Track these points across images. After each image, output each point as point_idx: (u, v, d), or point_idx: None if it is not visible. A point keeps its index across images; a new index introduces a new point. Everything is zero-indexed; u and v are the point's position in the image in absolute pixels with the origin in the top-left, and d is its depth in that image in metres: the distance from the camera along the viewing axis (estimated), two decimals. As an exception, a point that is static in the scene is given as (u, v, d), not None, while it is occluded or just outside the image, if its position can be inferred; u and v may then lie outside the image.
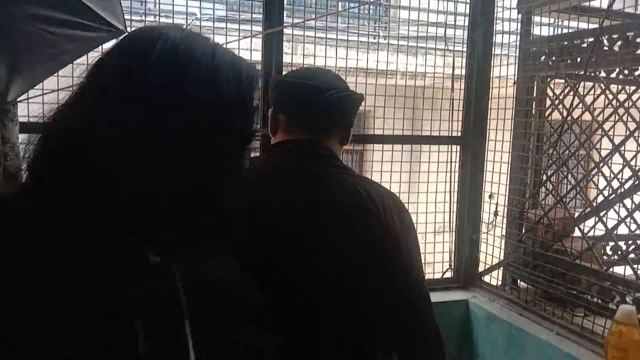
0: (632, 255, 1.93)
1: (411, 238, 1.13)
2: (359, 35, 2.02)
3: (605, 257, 1.80)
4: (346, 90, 1.24)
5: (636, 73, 1.69)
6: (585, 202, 1.79)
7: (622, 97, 1.75)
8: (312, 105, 1.20)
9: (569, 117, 1.78)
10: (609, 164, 1.76)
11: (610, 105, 1.74)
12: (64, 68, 1.48)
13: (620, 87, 1.78)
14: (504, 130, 2.03)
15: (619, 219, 1.66)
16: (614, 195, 1.66)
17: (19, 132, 1.46)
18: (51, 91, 1.54)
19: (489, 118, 2.03)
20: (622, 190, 1.68)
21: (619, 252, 1.71)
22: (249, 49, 1.79)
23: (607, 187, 1.72)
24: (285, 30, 1.83)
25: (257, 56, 1.80)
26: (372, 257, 1.07)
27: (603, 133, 1.72)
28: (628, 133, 1.65)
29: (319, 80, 1.22)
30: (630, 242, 1.84)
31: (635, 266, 1.65)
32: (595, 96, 1.71)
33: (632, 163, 1.67)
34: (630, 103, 1.70)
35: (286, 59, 1.85)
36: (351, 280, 1.05)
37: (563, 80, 1.83)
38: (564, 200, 1.80)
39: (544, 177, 1.89)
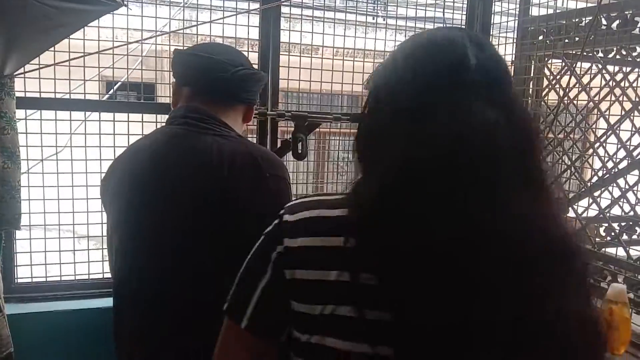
0: (625, 237, 1.94)
1: (265, 195, 1.10)
2: (357, 15, 2.01)
3: (598, 239, 1.82)
4: (250, 67, 1.28)
5: (634, 53, 1.69)
6: (580, 182, 1.80)
7: (619, 77, 1.75)
8: (218, 79, 1.21)
9: (566, 98, 1.78)
10: (604, 145, 1.77)
11: (607, 86, 1.74)
12: (60, 42, 1.48)
13: (617, 67, 1.77)
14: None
15: (612, 200, 1.68)
16: (607, 176, 1.67)
17: (16, 107, 1.47)
18: (47, 66, 1.53)
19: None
20: (616, 170, 1.69)
21: (612, 233, 1.72)
22: (246, 25, 1.79)
23: (602, 168, 1.73)
24: (283, 10, 1.82)
25: (254, 34, 1.80)
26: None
27: (599, 114, 1.72)
28: (624, 113, 1.65)
29: (225, 56, 1.25)
30: (623, 223, 1.85)
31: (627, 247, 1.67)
32: (592, 76, 1.71)
33: (628, 144, 1.68)
34: (627, 83, 1.70)
35: (283, 37, 1.85)
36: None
37: (560, 60, 1.83)
38: (559, 180, 1.81)
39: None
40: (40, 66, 1.53)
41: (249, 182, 1.10)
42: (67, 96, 1.66)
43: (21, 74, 1.53)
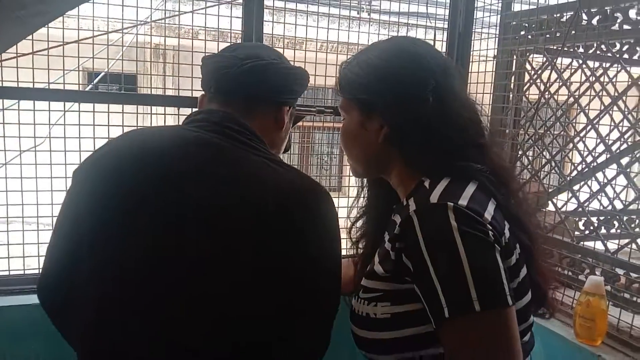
0: (603, 230, 1.97)
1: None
2: (341, 9, 2.01)
3: (577, 232, 1.84)
4: (268, 59, 1.08)
5: (614, 49, 1.71)
6: (560, 176, 1.82)
7: (599, 73, 1.77)
8: (227, 76, 1.06)
9: (547, 92, 1.80)
10: (584, 140, 1.79)
11: (587, 81, 1.76)
12: (37, 31, 1.45)
13: (597, 63, 1.79)
14: (482, 104, 2.04)
15: (591, 193, 1.70)
16: (587, 170, 1.69)
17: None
18: (24, 54, 1.51)
19: (468, 92, 2.04)
20: (595, 164, 1.71)
21: (591, 227, 1.74)
22: (229, 16, 1.77)
23: (582, 162, 1.75)
24: (267, 2, 1.81)
25: (237, 25, 1.78)
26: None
27: (579, 109, 1.74)
28: (603, 108, 1.67)
29: (241, 52, 1.09)
30: (602, 217, 1.87)
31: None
32: (572, 71, 1.73)
33: (607, 139, 1.70)
34: (607, 79, 1.72)
35: (267, 29, 1.83)
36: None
37: (542, 55, 1.85)
38: (539, 174, 1.83)
39: (520, 152, 1.91)
40: (18, 55, 1.50)
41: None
42: (47, 87, 1.63)
43: (-3, 62, 1.50)
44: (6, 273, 1.63)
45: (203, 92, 1.14)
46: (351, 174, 1.16)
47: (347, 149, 1.08)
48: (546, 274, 1.01)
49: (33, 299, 1.56)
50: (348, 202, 1.34)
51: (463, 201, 0.84)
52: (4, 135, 1.57)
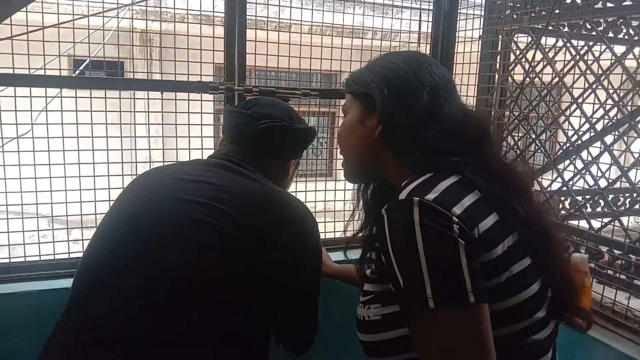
0: (589, 209, 1.98)
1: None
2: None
3: (563, 212, 1.85)
4: (280, 120, 1.31)
5: (599, 28, 1.70)
6: (545, 156, 1.82)
7: (584, 52, 1.76)
8: (242, 132, 1.29)
9: (532, 72, 1.80)
10: (569, 119, 1.80)
11: (572, 60, 1.75)
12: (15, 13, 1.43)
13: (582, 42, 1.79)
14: (468, 85, 2.05)
15: (575, 172, 1.70)
16: (571, 148, 1.69)
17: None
18: (1, 39, 1.49)
19: (454, 73, 2.04)
20: (579, 143, 1.71)
21: (576, 206, 1.76)
22: (211, -1, 1.75)
23: (566, 142, 1.76)
24: (251, -17, 1.78)
25: (220, 6, 1.76)
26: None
27: (564, 88, 1.74)
28: (586, 86, 1.67)
29: (257, 110, 1.31)
30: (587, 196, 1.88)
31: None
32: (557, 50, 1.73)
33: (592, 118, 1.70)
34: (592, 57, 1.72)
35: (252, 12, 1.81)
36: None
37: (526, 35, 1.84)
38: (524, 154, 1.83)
39: (506, 132, 1.91)
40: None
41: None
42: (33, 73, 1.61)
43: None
44: (7, 261, 1.63)
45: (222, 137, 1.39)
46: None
47: (342, 144, 1.09)
48: (563, 265, 0.96)
49: (20, 287, 1.57)
50: (335, 186, 1.46)
51: (432, 195, 0.82)
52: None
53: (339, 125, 1.12)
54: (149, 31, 2.12)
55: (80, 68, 2.05)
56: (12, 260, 1.64)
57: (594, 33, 1.67)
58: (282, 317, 1.14)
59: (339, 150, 1.12)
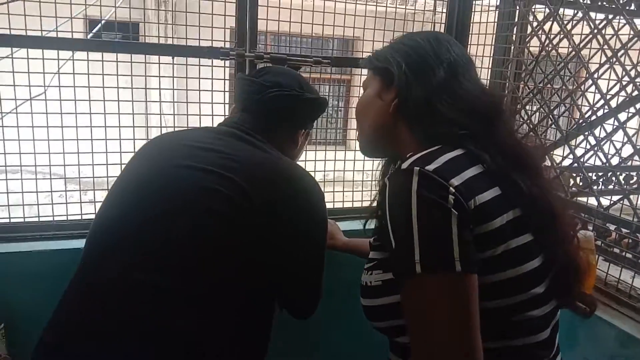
0: (602, 186, 1.96)
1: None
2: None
3: (574, 188, 1.84)
4: (290, 89, 1.32)
5: (622, 1, 1.65)
6: (558, 131, 1.80)
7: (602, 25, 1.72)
8: (252, 100, 1.31)
9: (549, 45, 1.76)
10: (584, 94, 1.76)
11: (591, 34, 1.71)
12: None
13: (602, 15, 1.74)
14: (483, 56, 2.01)
15: (586, 149, 1.68)
16: (583, 124, 1.67)
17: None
18: (14, 0, 1.49)
19: (469, 44, 2.00)
20: (593, 119, 1.68)
21: (587, 183, 1.74)
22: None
23: (580, 117, 1.73)
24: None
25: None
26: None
27: (580, 62, 1.70)
28: (603, 61, 1.63)
29: (268, 78, 1.33)
30: (600, 173, 1.86)
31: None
32: (575, 23, 1.68)
33: (607, 94, 1.67)
34: (612, 31, 1.67)
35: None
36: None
37: (544, 6, 1.79)
38: (536, 129, 1.81)
39: (519, 106, 1.89)
40: (9, 0, 1.48)
41: None
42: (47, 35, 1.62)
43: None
44: (6, 220, 1.67)
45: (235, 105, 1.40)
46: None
47: (359, 117, 1.12)
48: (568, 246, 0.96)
49: (34, 246, 1.62)
50: (346, 156, 1.48)
51: (432, 166, 0.84)
52: (-2, 83, 1.57)
53: (358, 100, 1.14)
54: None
55: (94, 31, 2.04)
56: (26, 219, 1.69)
57: (614, 6, 1.62)
58: (287, 286, 1.17)
59: (354, 120, 1.14)
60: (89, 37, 2.24)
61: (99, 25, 2.06)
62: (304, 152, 1.70)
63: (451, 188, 0.81)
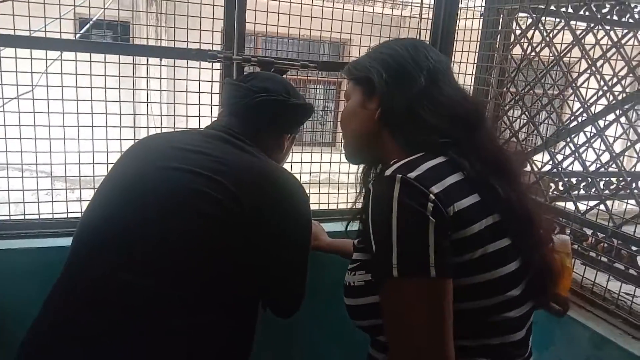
0: (582, 192, 2.00)
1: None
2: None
3: (556, 192, 1.88)
4: (277, 95, 1.34)
5: (604, 10, 1.69)
6: (539, 137, 1.83)
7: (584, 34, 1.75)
8: (239, 105, 1.33)
9: (531, 53, 1.79)
10: (565, 101, 1.80)
11: (573, 42, 1.75)
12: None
13: (585, 24, 1.78)
14: (467, 63, 2.04)
15: (564, 155, 1.72)
16: (563, 131, 1.71)
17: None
18: (5, 0, 1.50)
19: (454, 50, 2.04)
20: (572, 126, 1.72)
21: (566, 188, 1.78)
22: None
23: (559, 124, 1.77)
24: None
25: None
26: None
27: (561, 70, 1.74)
28: (584, 69, 1.67)
29: (255, 84, 1.35)
30: (579, 178, 1.90)
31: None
32: (556, 32, 1.72)
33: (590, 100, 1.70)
34: (593, 40, 1.71)
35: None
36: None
37: (527, 15, 1.83)
38: (517, 135, 1.85)
39: (502, 112, 1.92)
40: (-2, 1, 1.49)
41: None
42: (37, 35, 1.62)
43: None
44: (7, 218, 1.68)
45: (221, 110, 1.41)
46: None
47: (344, 127, 1.14)
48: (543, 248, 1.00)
49: (19, 243, 1.63)
50: (337, 157, 1.57)
51: (414, 173, 0.87)
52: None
53: (342, 110, 1.16)
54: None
55: (82, 31, 2.05)
56: (12, 217, 1.70)
57: (599, 15, 1.65)
58: (271, 286, 1.20)
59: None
60: (77, 36, 2.25)
61: (87, 24, 2.07)
62: (293, 154, 1.72)
63: (431, 195, 0.84)
